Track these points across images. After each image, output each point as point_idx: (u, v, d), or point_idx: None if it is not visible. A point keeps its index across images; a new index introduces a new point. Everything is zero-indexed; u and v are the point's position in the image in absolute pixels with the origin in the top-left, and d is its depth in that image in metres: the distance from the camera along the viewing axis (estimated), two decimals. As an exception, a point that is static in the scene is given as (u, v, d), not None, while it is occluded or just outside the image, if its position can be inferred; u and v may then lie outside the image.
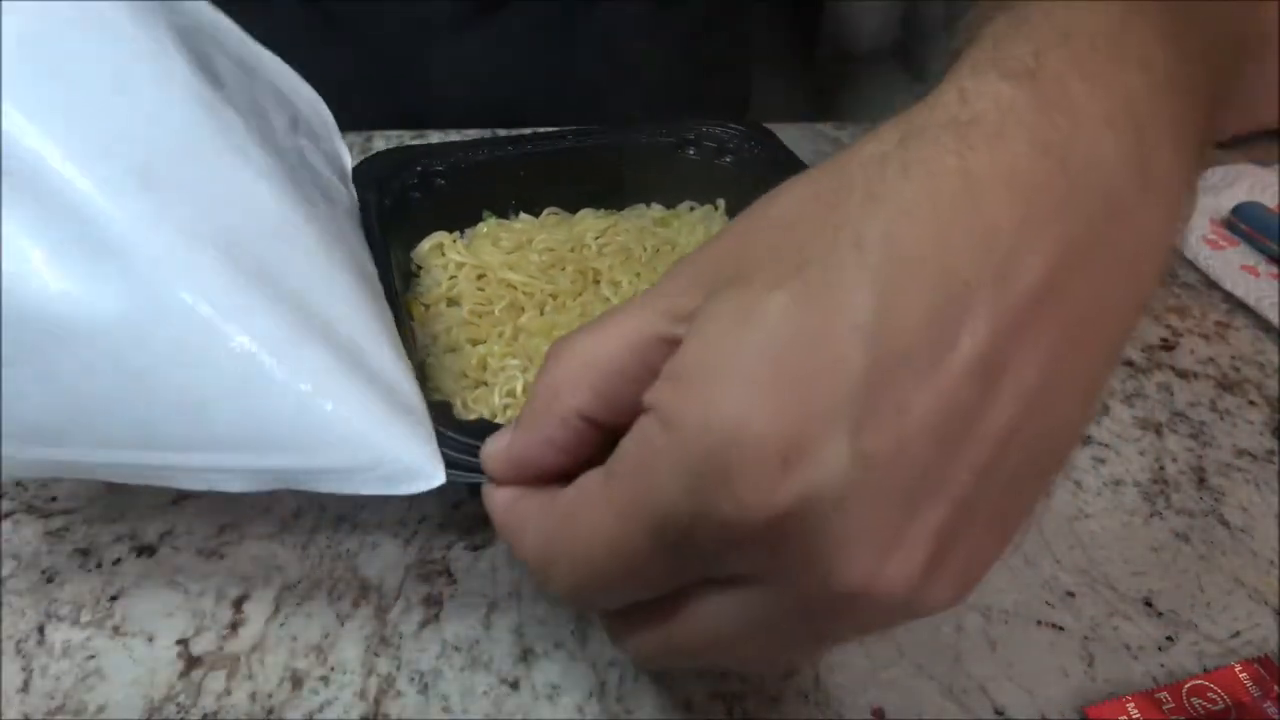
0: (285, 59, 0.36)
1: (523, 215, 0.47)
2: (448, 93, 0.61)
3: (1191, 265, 0.49)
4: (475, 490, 0.27)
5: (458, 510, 0.36)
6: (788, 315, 0.19)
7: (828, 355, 0.19)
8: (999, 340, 0.19)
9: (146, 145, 0.27)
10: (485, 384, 0.39)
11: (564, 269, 0.44)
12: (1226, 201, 0.52)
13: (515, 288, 0.43)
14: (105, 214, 0.26)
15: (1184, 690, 0.30)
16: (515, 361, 0.39)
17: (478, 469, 0.27)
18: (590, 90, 0.53)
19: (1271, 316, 0.46)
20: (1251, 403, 0.42)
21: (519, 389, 0.38)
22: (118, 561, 0.34)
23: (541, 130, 0.49)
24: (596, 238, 0.46)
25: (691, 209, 0.49)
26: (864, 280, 0.19)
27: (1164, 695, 0.30)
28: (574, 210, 0.48)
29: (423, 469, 0.29)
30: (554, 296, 0.43)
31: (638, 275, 0.44)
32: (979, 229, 0.19)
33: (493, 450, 0.25)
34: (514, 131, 0.49)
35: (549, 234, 0.46)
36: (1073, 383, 0.21)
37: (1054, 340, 0.20)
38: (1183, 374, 0.43)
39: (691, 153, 0.48)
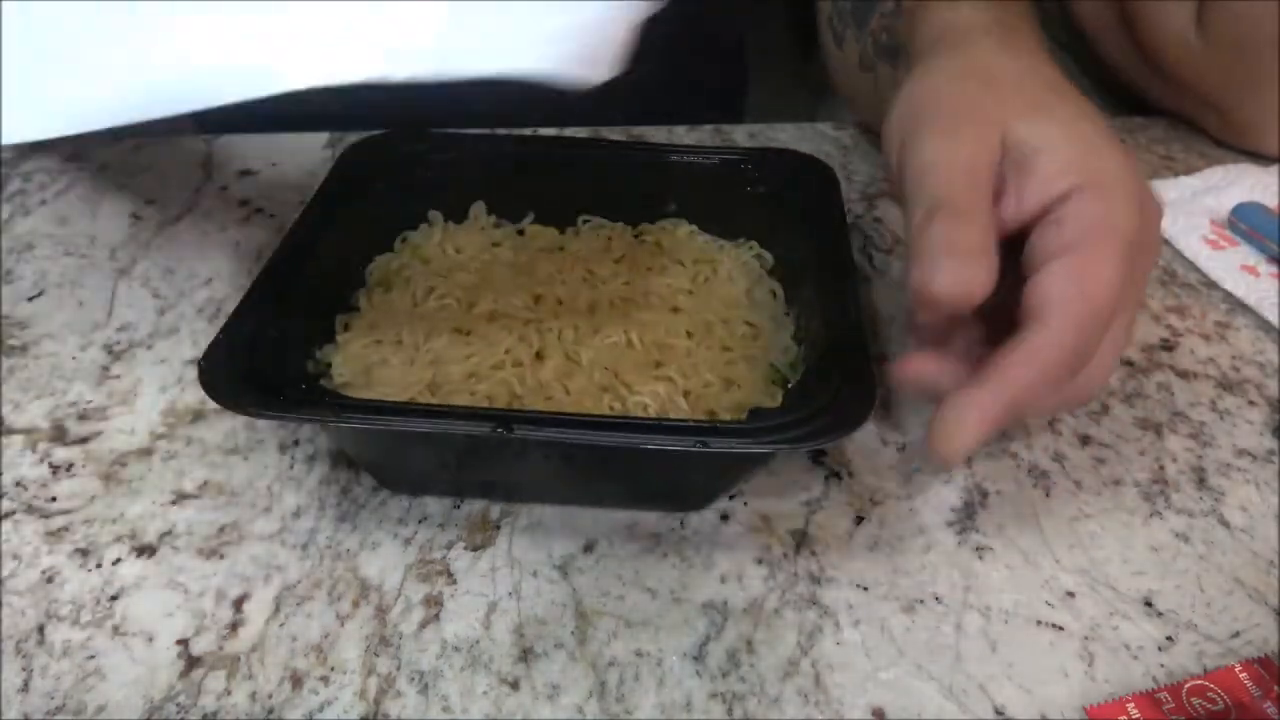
0: None
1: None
2: (447, 92, 0.61)
3: (1191, 265, 0.49)
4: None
5: (458, 510, 0.36)
6: (1096, 133, 0.33)
7: (1123, 152, 0.33)
8: None
9: None
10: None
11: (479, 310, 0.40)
12: (1226, 201, 0.51)
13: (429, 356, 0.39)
14: None
15: (1184, 690, 0.30)
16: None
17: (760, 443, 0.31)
18: (588, 90, 0.53)
19: (1271, 316, 0.45)
20: (1251, 403, 0.42)
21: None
22: (118, 561, 0.34)
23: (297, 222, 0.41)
24: (445, 280, 0.42)
25: (430, 223, 0.45)
26: (1088, 113, 0.34)
27: (1164, 695, 0.30)
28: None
29: None
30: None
31: (524, 282, 0.42)
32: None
33: (949, 266, 0.31)
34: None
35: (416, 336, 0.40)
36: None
37: None
38: (1183, 374, 0.43)
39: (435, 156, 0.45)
